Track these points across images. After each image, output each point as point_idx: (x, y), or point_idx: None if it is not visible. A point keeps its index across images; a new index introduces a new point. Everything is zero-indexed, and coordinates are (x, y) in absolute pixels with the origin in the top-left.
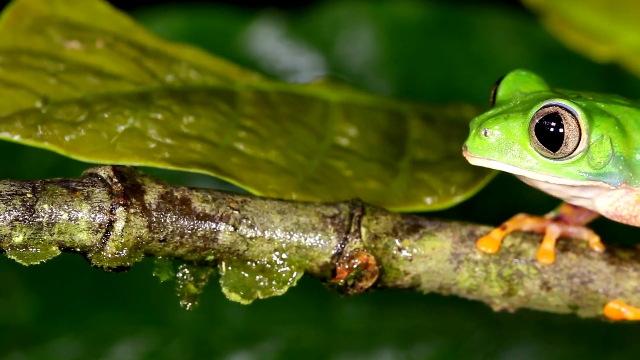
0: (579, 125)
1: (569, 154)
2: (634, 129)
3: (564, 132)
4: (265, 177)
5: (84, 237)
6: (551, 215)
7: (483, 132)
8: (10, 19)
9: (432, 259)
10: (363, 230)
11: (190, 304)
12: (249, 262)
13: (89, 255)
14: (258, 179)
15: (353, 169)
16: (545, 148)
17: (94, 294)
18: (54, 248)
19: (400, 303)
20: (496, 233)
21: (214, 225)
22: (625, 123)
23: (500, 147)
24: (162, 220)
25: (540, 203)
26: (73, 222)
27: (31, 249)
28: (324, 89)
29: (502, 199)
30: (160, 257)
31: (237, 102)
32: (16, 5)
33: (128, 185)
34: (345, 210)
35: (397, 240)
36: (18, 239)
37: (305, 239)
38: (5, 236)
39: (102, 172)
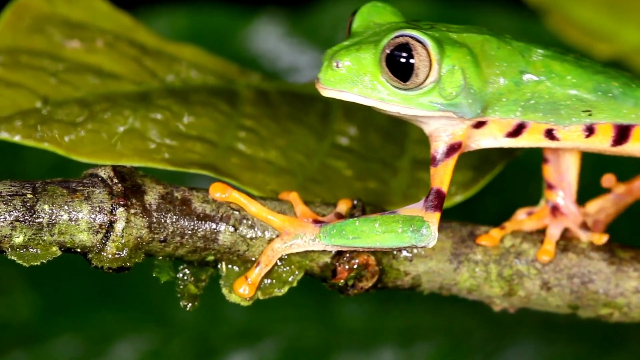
0: (429, 56)
1: (420, 85)
2: (482, 60)
3: (414, 62)
4: (265, 177)
5: (84, 237)
6: (543, 204)
7: (335, 64)
8: (10, 18)
9: (432, 259)
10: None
11: (190, 304)
12: (249, 263)
13: (90, 255)
14: (258, 179)
15: (353, 169)
16: (395, 79)
17: (94, 292)
18: (54, 248)
19: (401, 302)
20: (495, 232)
21: (214, 226)
22: (479, 54)
23: (351, 78)
24: (163, 221)
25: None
26: (73, 222)
27: (31, 250)
28: None
29: (502, 199)
30: (161, 257)
31: (237, 101)
32: (16, 5)
33: (128, 186)
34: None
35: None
36: (18, 239)
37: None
38: (5, 237)
39: (103, 173)
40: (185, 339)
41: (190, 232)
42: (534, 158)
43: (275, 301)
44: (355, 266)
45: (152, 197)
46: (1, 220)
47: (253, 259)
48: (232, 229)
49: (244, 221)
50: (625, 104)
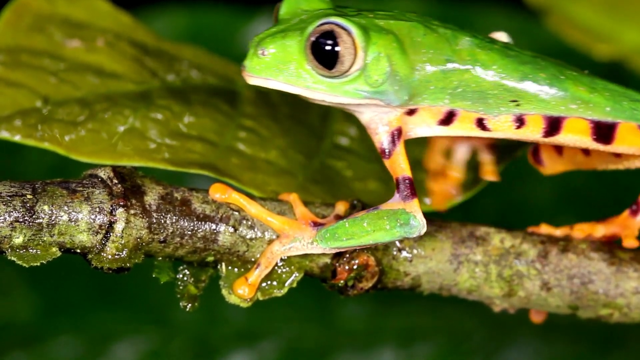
0: (354, 43)
1: (345, 72)
2: (409, 47)
3: (339, 50)
4: (265, 177)
5: (84, 238)
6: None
7: (260, 52)
8: (10, 18)
9: (432, 259)
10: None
11: (190, 304)
12: (249, 263)
13: (89, 256)
14: (258, 180)
15: (353, 169)
16: (321, 66)
17: (94, 293)
18: (54, 249)
19: (401, 302)
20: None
21: (214, 226)
22: (405, 40)
23: (277, 66)
24: (162, 222)
25: (540, 203)
26: (73, 223)
27: (31, 250)
28: None
29: (502, 199)
30: (161, 258)
31: (237, 101)
32: (17, 4)
33: (128, 187)
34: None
35: (397, 241)
36: (18, 240)
37: None
38: (5, 237)
39: (102, 173)
40: (184, 339)
41: (190, 232)
42: None
43: (275, 302)
44: (355, 267)
45: (151, 197)
46: (1, 220)
47: (253, 259)
48: (231, 230)
49: (244, 222)
50: (554, 95)
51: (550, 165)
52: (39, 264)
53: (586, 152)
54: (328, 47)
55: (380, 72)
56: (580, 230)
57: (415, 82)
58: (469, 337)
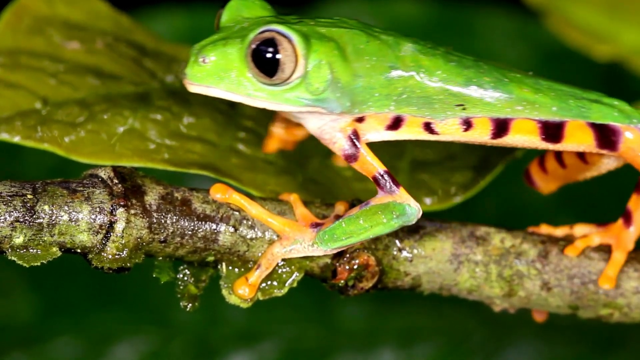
0: (295, 51)
1: (286, 80)
2: (351, 54)
3: (280, 57)
4: (265, 177)
5: (84, 238)
6: None
7: (201, 59)
8: (10, 19)
9: (433, 259)
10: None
11: (190, 304)
12: (249, 263)
13: (90, 256)
14: (258, 180)
15: (353, 170)
16: (262, 74)
17: (94, 294)
18: (54, 249)
19: (401, 303)
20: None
21: (214, 226)
22: (345, 48)
23: (218, 74)
24: (163, 221)
25: (541, 203)
26: (73, 223)
27: (31, 250)
28: None
29: (502, 200)
30: (161, 258)
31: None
32: (16, 6)
33: (128, 186)
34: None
35: (397, 241)
36: (18, 240)
37: None
38: (5, 237)
39: (103, 173)
40: (185, 339)
41: (190, 232)
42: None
43: (275, 302)
44: (355, 267)
45: (152, 197)
46: (1, 220)
47: (253, 259)
48: (232, 230)
49: (244, 222)
50: (499, 98)
51: (543, 185)
52: (39, 264)
53: (563, 165)
54: (269, 55)
55: (322, 80)
56: (580, 241)
57: (359, 89)
58: (469, 337)
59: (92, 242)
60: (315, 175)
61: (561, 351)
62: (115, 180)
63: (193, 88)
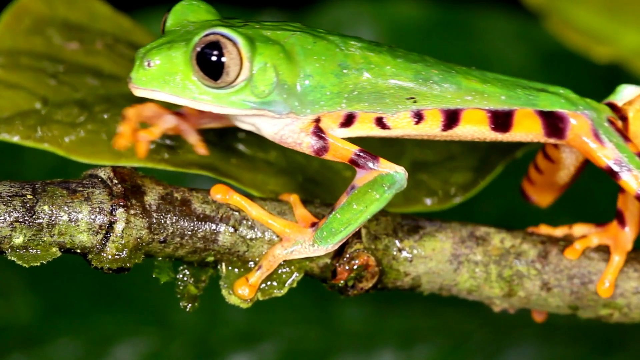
0: (240, 54)
1: (231, 83)
2: (298, 56)
3: (225, 61)
4: (264, 177)
5: (84, 238)
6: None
7: (146, 63)
8: (10, 20)
9: (433, 259)
10: (363, 231)
11: (190, 305)
12: (249, 263)
13: (89, 256)
14: (257, 180)
15: (353, 170)
16: (207, 77)
17: (94, 295)
18: (54, 249)
19: (401, 304)
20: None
21: (214, 227)
22: (291, 50)
23: (163, 77)
24: (163, 222)
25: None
26: (73, 223)
27: (31, 250)
28: None
29: (502, 200)
30: (161, 258)
31: None
32: (16, 7)
33: (128, 187)
34: None
35: (397, 241)
36: (18, 240)
37: None
38: (5, 237)
39: (102, 174)
40: (185, 341)
41: (190, 232)
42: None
43: (275, 303)
44: (355, 267)
45: (152, 197)
46: (1, 220)
47: (253, 260)
48: (232, 230)
49: (244, 222)
50: (448, 89)
51: (539, 198)
52: (39, 264)
53: (540, 170)
54: (213, 58)
55: (267, 83)
56: (579, 243)
57: (309, 89)
58: (469, 338)
59: (91, 243)
60: (315, 176)
61: (561, 352)
62: (115, 181)
63: (138, 92)
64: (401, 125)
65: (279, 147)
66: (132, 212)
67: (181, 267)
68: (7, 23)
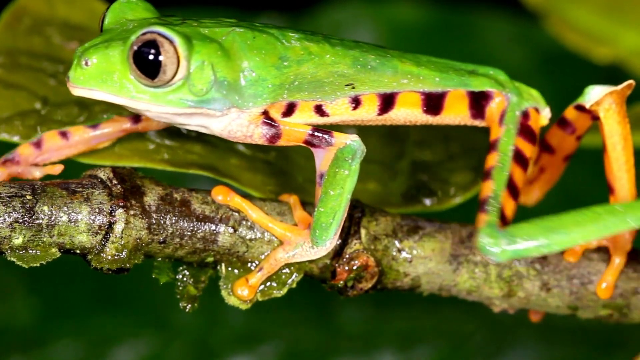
0: (177, 53)
1: (168, 82)
2: (238, 51)
3: (161, 59)
4: (264, 178)
5: (83, 238)
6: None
7: (84, 62)
8: (9, 20)
9: (432, 260)
10: (363, 231)
11: (189, 305)
12: (249, 264)
13: (89, 257)
14: (257, 180)
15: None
16: (144, 76)
17: (94, 296)
18: (53, 250)
19: (400, 305)
20: None
21: (213, 227)
22: (230, 47)
23: (101, 76)
24: (162, 222)
25: (540, 204)
26: (73, 223)
27: (31, 251)
28: None
29: None
30: (160, 258)
31: None
32: (15, 6)
33: (128, 187)
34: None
35: (396, 242)
36: (18, 240)
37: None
38: (5, 238)
39: (102, 174)
40: (184, 342)
41: (189, 233)
42: None
43: (274, 304)
44: (354, 267)
45: (151, 198)
46: (0, 221)
47: (252, 260)
48: (231, 230)
49: (244, 222)
50: (385, 73)
51: (526, 196)
52: (38, 265)
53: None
54: (150, 57)
55: (205, 81)
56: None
57: (250, 82)
58: (469, 339)
59: (91, 243)
60: (314, 176)
61: (561, 352)
62: (115, 181)
63: (76, 91)
64: (339, 112)
65: (278, 148)
66: (131, 212)
67: (181, 268)
68: (7, 23)
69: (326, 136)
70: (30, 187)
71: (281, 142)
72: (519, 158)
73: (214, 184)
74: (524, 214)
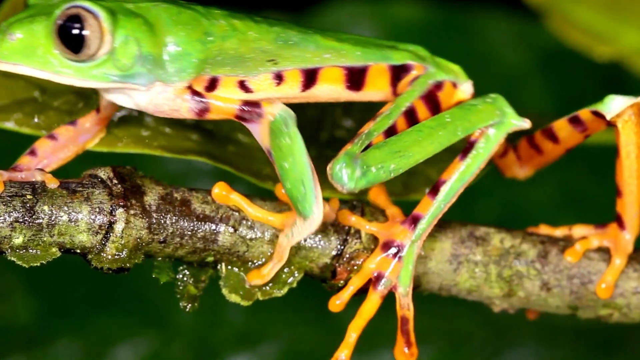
0: (101, 27)
1: (92, 56)
2: (163, 26)
3: (86, 34)
4: (260, 165)
5: (84, 238)
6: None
7: (9, 37)
8: (9, 12)
9: (432, 259)
10: (363, 231)
11: (190, 305)
12: (249, 263)
13: (89, 256)
14: (254, 167)
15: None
16: (68, 50)
17: (94, 296)
18: (54, 249)
19: None
20: None
21: (214, 227)
22: (155, 22)
23: (26, 51)
24: (162, 222)
25: (540, 203)
26: (73, 223)
27: (31, 251)
28: None
29: (502, 200)
30: (160, 258)
31: None
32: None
33: (128, 187)
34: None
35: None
36: (18, 240)
37: (305, 240)
38: (5, 237)
39: (102, 174)
40: (185, 341)
41: (189, 232)
42: None
43: (274, 304)
44: (355, 267)
45: (151, 197)
46: (1, 221)
47: (253, 260)
48: (231, 230)
49: (244, 222)
50: (307, 48)
51: (518, 170)
52: (38, 265)
53: (537, 149)
54: (74, 31)
55: (129, 56)
56: (579, 244)
57: (174, 57)
58: (469, 339)
59: (91, 243)
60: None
61: (561, 352)
62: (115, 181)
63: (1, 66)
64: (263, 88)
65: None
66: (131, 212)
67: (181, 268)
68: (6, 14)
69: (257, 109)
70: (30, 186)
71: (210, 116)
72: (410, 115)
73: (214, 183)
74: (537, 215)
